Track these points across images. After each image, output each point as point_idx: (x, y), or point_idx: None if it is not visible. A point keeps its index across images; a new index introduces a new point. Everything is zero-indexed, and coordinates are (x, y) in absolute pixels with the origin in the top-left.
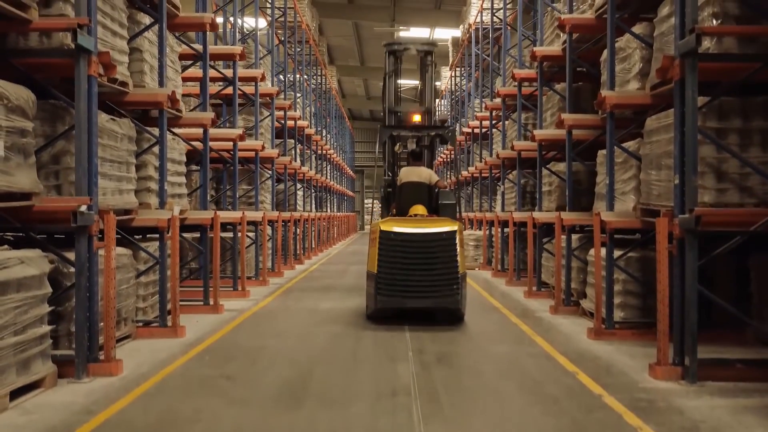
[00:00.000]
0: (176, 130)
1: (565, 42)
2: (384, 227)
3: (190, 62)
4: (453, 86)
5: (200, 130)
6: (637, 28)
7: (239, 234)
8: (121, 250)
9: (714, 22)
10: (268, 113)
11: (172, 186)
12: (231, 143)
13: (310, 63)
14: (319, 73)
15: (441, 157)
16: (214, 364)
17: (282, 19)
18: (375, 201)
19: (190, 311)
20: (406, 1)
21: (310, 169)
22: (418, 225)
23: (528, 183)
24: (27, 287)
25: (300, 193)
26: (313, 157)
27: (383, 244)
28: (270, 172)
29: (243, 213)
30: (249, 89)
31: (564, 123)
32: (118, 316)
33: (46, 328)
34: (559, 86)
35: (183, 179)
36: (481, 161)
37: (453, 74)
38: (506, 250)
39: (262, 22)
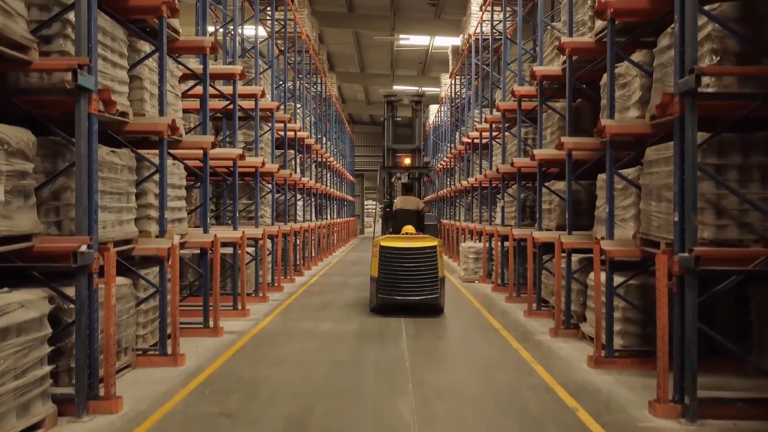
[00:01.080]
0: (176, 151)
1: (565, 62)
2: (383, 243)
3: (190, 83)
4: (453, 93)
5: (200, 150)
6: (637, 56)
7: (239, 251)
8: (121, 280)
9: (713, 58)
10: (269, 128)
11: (172, 211)
12: (231, 162)
13: (310, 72)
14: (319, 81)
15: (441, 164)
16: (214, 399)
17: (282, 30)
18: (375, 202)
19: (190, 334)
20: (406, 11)
21: (310, 179)
22: (409, 241)
23: (528, 197)
24: (27, 330)
25: (300, 203)
26: (313, 166)
27: (382, 256)
28: (270, 186)
29: (243, 233)
30: (249, 104)
31: (564, 146)
32: (118, 347)
33: (46, 369)
34: (558, 105)
35: (183, 203)
36: (481, 173)
37: (453, 82)
38: (506, 264)
39: (262, 30)
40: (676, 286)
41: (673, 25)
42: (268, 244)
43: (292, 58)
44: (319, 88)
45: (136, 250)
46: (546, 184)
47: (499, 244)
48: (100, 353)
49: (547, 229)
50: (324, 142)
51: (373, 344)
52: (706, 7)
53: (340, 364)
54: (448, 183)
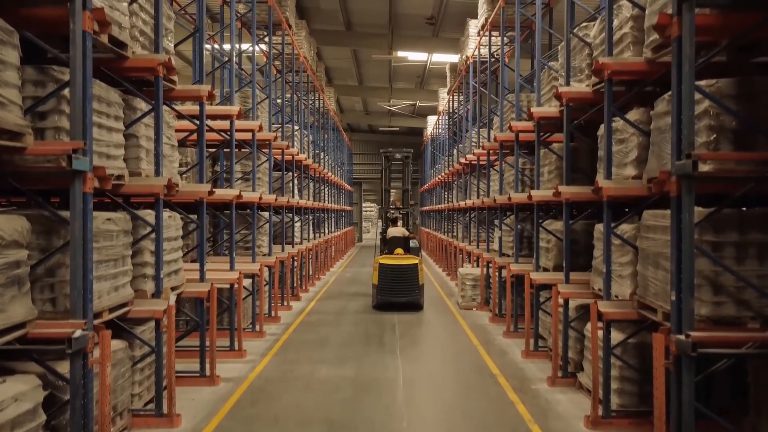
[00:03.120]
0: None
1: (562, 105)
2: (381, 261)
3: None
4: (451, 108)
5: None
6: (635, 114)
7: (236, 290)
8: (116, 344)
9: (710, 135)
10: (266, 158)
11: (168, 264)
12: (230, 200)
13: (308, 90)
14: (318, 98)
15: (439, 178)
16: None
17: (280, 49)
18: (374, 204)
19: (186, 383)
20: (404, 29)
21: (308, 198)
22: (398, 260)
23: (525, 228)
24: (21, 423)
25: (298, 224)
26: (311, 185)
27: (380, 270)
28: (267, 215)
29: (240, 274)
30: (247, 135)
31: (561, 195)
32: (114, 411)
33: None
34: (556, 145)
35: (179, 253)
36: (478, 196)
37: (451, 98)
38: (504, 294)
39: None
40: (673, 366)
41: (669, 93)
42: (266, 273)
43: (290, 78)
44: (317, 104)
45: (132, 313)
46: (543, 223)
47: (497, 273)
48: (95, 424)
49: (544, 268)
50: (322, 157)
51: (371, 395)
52: (703, 83)
53: (335, 424)
54: (446, 197)
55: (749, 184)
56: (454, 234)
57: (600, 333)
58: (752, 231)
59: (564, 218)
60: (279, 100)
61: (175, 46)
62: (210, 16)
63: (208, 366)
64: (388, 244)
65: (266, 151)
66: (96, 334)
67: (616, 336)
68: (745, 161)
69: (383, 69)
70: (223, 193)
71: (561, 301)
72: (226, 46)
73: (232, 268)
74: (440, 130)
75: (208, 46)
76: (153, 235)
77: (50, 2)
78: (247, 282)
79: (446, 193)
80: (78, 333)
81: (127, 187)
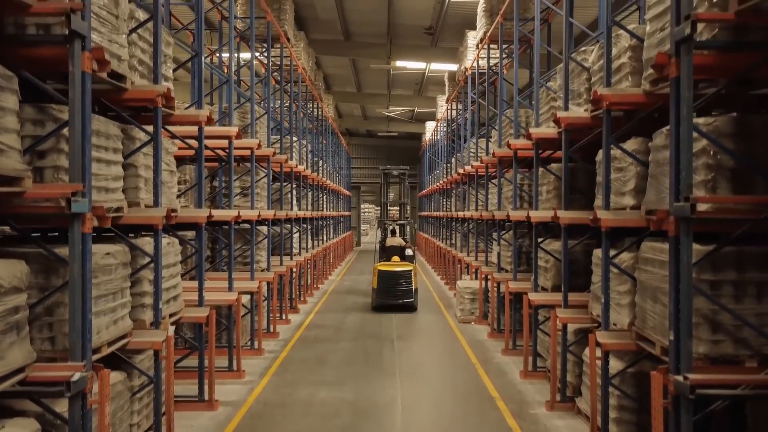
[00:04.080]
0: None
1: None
2: (379, 268)
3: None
4: (449, 116)
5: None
6: (633, 143)
7: (234, 311)
8: (115, 376)
9: (708, 174)
10: (265, 173)
11: (167, 291)
12: (229, 220)
13: (307, 99)
14: (316, 107)
15: (438, 185)
16: None
17: (278, 62)
18: (372, 206)
19: (185, 408)
20: (403, 39)
21: (307, 207)
22: (395, 266)
23: (524, 244)
24: None
25: (296, 236)
26: (309, 195)
27: (379, 275)
28: (266, 229)
29: (238, 296)
30: (246, 152)
31: (560, 220)
32: None
33: None
34: (555, 165)
35: (178, 279)
36: (476, 208)
37: (449, 107)
38: (503, 309)
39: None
40: (672, 405)
41: (668, 128)
42: (264, 289)
43: (289, 88)
44: (316, 112)
45: (131, 344)
46: (542, 243)
47: (496, 288)
48: None
49: (543, 287)
50: (320, 165)
51: (371, 421)
52: (701, 121)
53: None
54: (445, 205)
55: (747, 224)
56: (453, 242)
57: (598, 362)
58: (750, 270)
59: (563, 243)
60: (278, 110)
61: (174, 70)
62: (209, 25)
63: (206, 389)
64: (386, 252)
65: (265, 164)
66: (95, 374)
67: (614, 365)
68: (743, 204)
69: (382, 76)
70: (221, 214)
71: (560, 325)
72: (225, 55)
73: (230, 289)
74: (439, 136)
75: (207, 59)
76: (152, 265)
77: (49, 42)
78: (246, 298)
79: (445, 200)
80: (77, 376)
81: (125, 219)
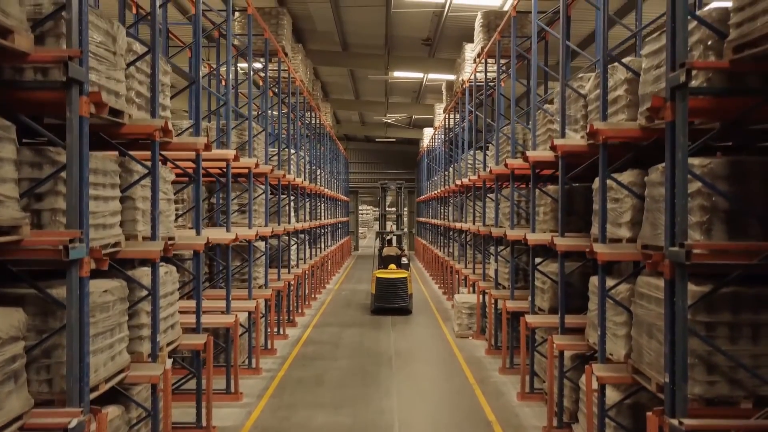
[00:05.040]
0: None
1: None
2: (377, 275)
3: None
4: (447, 124)
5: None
6: (629, 176)
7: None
8: (113, 411)
9: (703, 216)
10: (263, 191)
11: (164, 320)
12: (227, 242)
13: (304, 110)
14: (314, 116)
15: (435, 193)
16: None
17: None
18: (370, 207)
19: None
20: (400, 50)
21: (305, 217)
22: (391, 273)
23: (522, 260)
24: None
25: (294, 248)
26: (307, 204)
27: (377, 281)
28: (263, 245)
29: (236, 318)
30: (243, 170)
31: (557, 247)
32: None
33: None
34: (551, 188)
35: (176, 307)
36: (474, 222)
37: (447, 117)
38: (499, 326)
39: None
40: None
41: (663, 166)
42: (262, 306)
43: (287, 99)
44: (313, 122)
45: (129, 379)
46: (539, 265)
47: (493, 305)
48: None
49: (540, 309)
50: (318, 174)
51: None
52: (696, 162)
53: None
54: (442, 213)
55: (740, 269)
56: (451, 251)
57: (595, 392)
58: (745, 311)
59: (559, 269)
60: (276, 120)
61: (172, 97)
62: (207, 38)
63: (204, 414)
64: (383, 261)
65: (263, 179)
66: (93, 416)
67: (611, 395)
68: (737, 250)
69: (379, 85)
70: (219, 238)
71: (556, 351)
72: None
73: (228, 311)
74: (436, 143)
75: (204, 74)
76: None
77: (47, 88)
78: (243, 316)
79: (442, 208)
80: (74, 422)
81: (123, 253)
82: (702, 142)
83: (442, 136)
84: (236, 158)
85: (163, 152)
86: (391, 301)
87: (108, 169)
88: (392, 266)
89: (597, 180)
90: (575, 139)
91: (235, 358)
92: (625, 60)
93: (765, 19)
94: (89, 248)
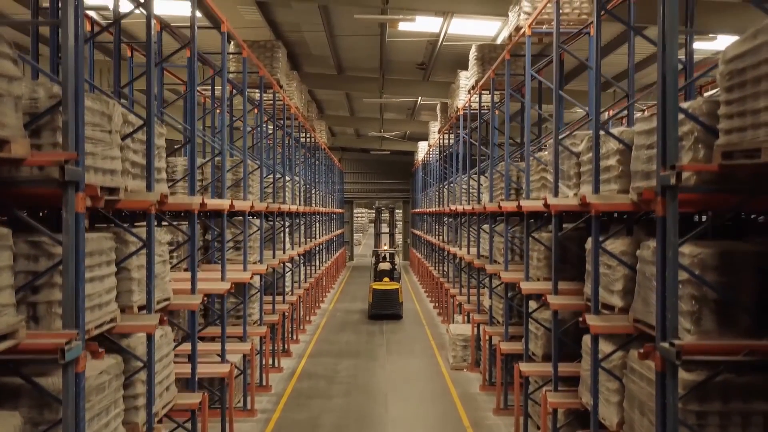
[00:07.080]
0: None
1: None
2: (374, 287)
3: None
4: (441, 144)
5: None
6: (621, 244)
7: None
8: None
9: (693, 306)
10: (257, 228)
11: (160, 384)
12: (222, 292)
13: (300, 132)
14: (309, 136)
15: (429, 210)
16: None
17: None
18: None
19: None
20: (395, 73)
21: (300, 237)
22: (386, 285)
23: (516, 297)
24: None
25: (289, 274)
26: (302, 227)
27: (373, 293)
28: (258, 282)
29: (232, 366)
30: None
31: (550, 306)
32: None
33: None
34: (545, 236)
35: (171, 367)
36: (468, 252)
37: (441, 137)
38: (494, 362)
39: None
40: None
41: (654, 244)
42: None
43: (281, 123)
44: (308, 141)
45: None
46: (533, 313)
47: (488, 340)
48: None
49: (533, 354)
50: (313, 192)
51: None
52: (686, 251)
53: None
54: (437, 231)
55: (729, 363)
56: (445, 271)
57: None
58: (735, 400)
59: (553, 325)
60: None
61: (168, 155)
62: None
63: None
64: (378, 274)
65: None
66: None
67: None
68: (725, 348)
69: (374, 102)
70: (214, 288)
71: (550, 409)
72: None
73: (223, 359)
74: (431, 157)
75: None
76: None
77: (43, 185)
78: (238, 358)
79: (437, 225)
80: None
81: (118, 328)
82: (694, 234)
83: (437, 153)
84: (231, 207)
85: (159, 213)
86: (385, 308)
87: (104, 247)
88: (386, 279)
89: (590, 240)
90: (568, 197)
91: (230, 403)
92: (615, 131)
93: (754, 133)
94: (85, 344)
